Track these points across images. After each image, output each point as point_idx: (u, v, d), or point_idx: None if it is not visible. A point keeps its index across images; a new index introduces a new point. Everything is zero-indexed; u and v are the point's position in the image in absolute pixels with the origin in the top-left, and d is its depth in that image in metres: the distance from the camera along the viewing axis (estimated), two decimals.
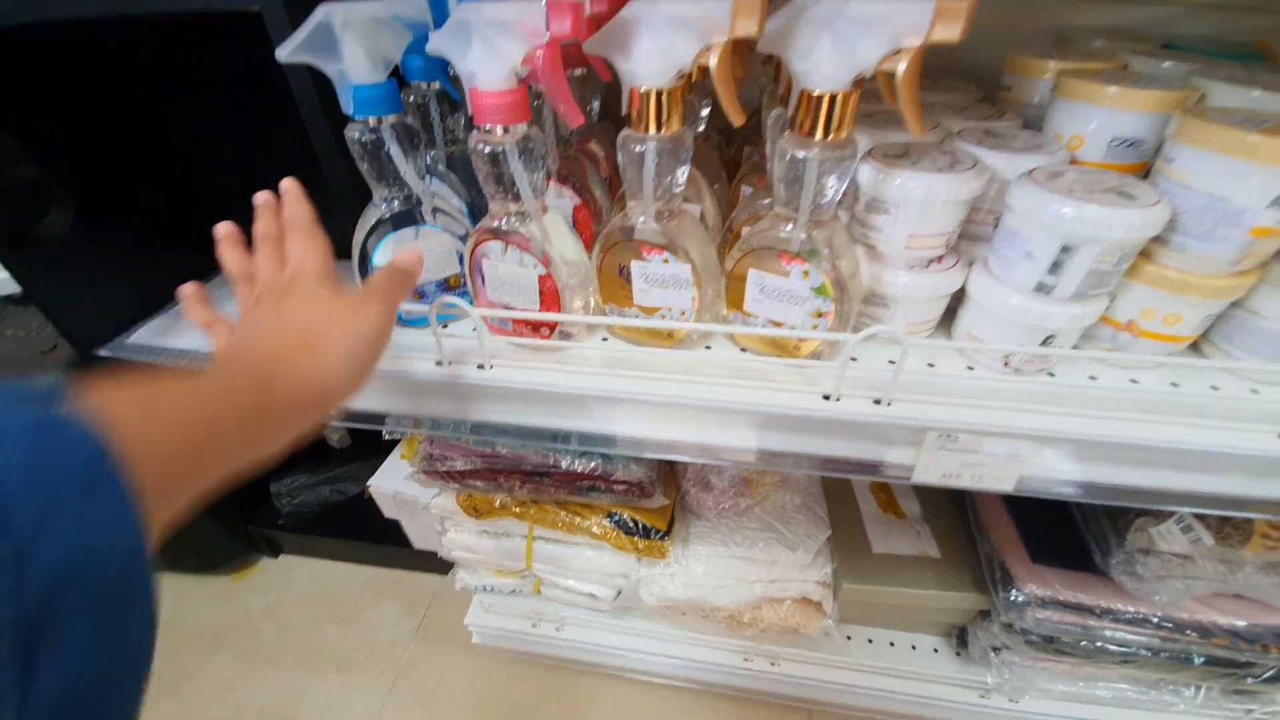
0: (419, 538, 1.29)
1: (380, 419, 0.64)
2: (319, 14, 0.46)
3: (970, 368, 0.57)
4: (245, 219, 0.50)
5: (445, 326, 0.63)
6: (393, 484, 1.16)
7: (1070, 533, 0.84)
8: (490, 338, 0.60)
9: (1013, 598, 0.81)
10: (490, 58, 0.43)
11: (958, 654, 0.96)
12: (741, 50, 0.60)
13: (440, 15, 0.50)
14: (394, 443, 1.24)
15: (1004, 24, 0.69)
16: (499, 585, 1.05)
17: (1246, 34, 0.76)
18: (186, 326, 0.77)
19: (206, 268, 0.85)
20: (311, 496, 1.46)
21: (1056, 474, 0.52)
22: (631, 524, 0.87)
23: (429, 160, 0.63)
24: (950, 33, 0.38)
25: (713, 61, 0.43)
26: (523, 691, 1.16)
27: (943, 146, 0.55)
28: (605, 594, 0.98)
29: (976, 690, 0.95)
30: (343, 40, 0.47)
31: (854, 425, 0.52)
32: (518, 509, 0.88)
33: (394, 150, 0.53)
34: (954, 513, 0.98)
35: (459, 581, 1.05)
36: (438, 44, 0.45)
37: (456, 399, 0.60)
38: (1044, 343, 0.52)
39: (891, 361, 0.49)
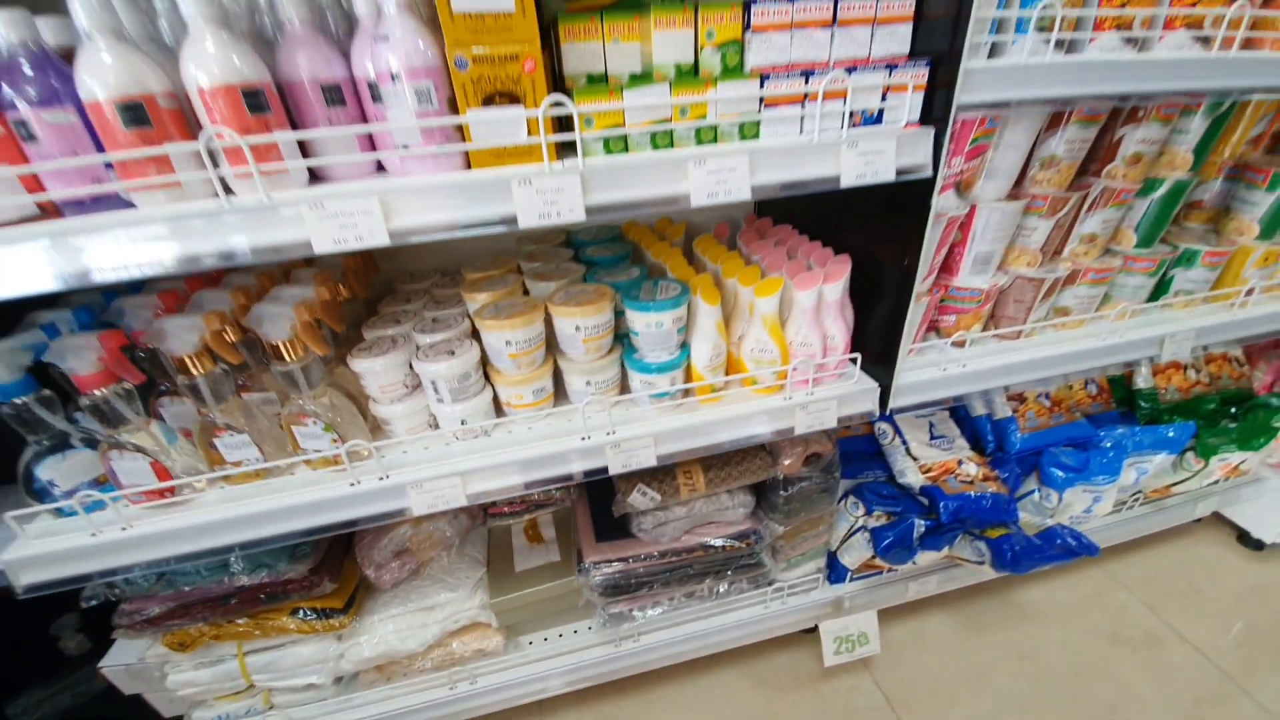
0: (165, 705, 1.41)
1: (71, 582, 0.90)
2: None
3: (448, 444, 1.04)
4: None
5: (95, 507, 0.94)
6: (119, 659, 1.30)
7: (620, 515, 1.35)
8: (131, 508, 0.92)
9: (583, 567, 1.28)
10: (79, 367, 0.81)
11: (590, 627, 1.40)
12: None
13: (53, 334, 0.87)
14: None
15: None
16: (233, 711, 1.25)
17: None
18: None
19: None
20: (52, 707, 1.47)
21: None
22: (313, 612, 1.18)
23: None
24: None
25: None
26: None
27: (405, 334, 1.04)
28: (322, 679, 1.25)
29: (612, 644, 1.39)
30: None
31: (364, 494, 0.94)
32: (215, 633, 1.14)
33: (41, 412, 0.86)
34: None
35: None
36: (51, 357, 0.81)
37: (120, 553, 0.90)
38: (462, 424, 1.01)
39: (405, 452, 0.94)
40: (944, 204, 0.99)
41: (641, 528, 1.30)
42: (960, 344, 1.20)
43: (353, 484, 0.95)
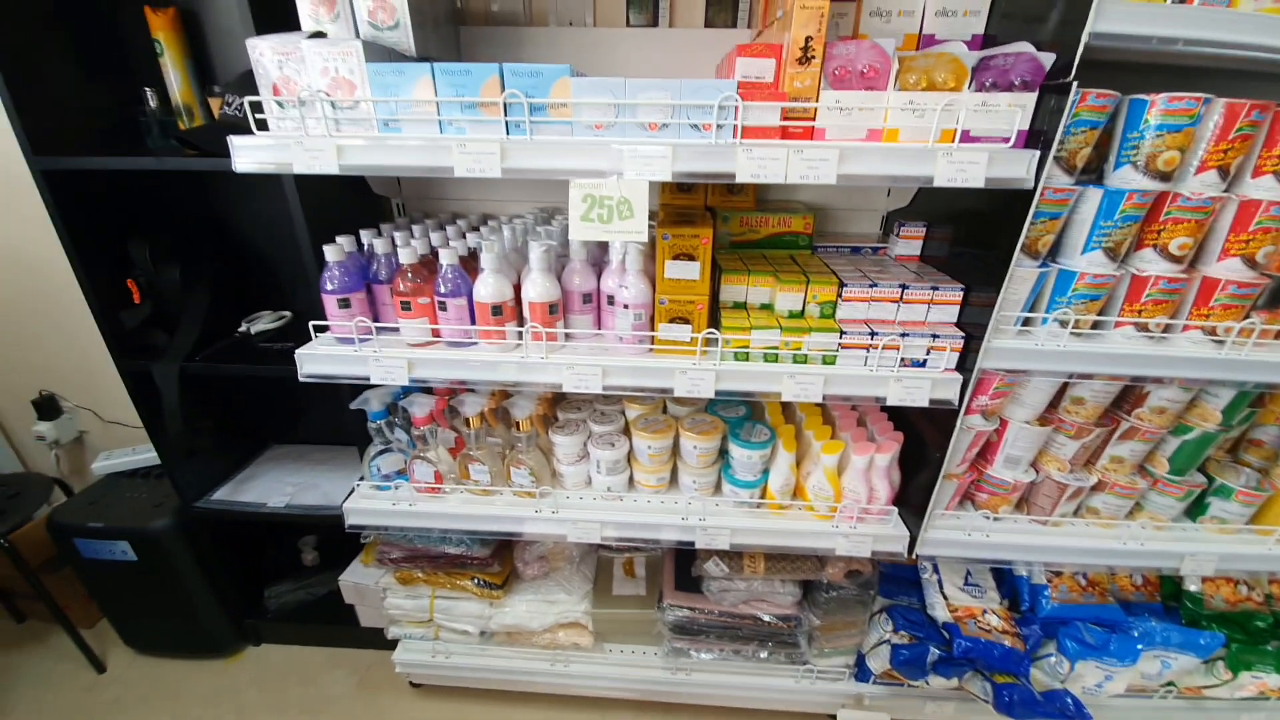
0: (365, 617, 2.08)
1: (370, 528, 1.56)
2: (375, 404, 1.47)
3: (595, 499, 1.57)
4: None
5: (396, 488, 1.58)
6: (353, 578, 1.99)
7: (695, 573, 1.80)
8: (416, 494, 1.55)
9: (662, 605, 1.75)
10: (418, 411, 1.45)
11: (656, 653, 1.85)
12: None
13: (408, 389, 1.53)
14: (350, 557, 2.08)
15: None
16: (413, 633, 1.88)
17: None
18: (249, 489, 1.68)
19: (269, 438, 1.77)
20: (291, 598, 2.23)
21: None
22: (483, 582, 1.76)
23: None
24: None
25: None
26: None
27: None
28: (474, 629, 1.83)
29: (670, 670, 1.83)
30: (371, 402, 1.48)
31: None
32: (425, 579, 1.76)
33: (386, 430, 1.53)
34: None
35: (390, 632, 1.87)
36: (405, 405, 1.47)
37: (403, 518, 1.53)
38: (608, 490, 1.54)
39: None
40: (972, 422, 1.35)
41: (710, 589, 1.74)
42: (991, 514, 1.51)
43: (536, 511, 1.51)
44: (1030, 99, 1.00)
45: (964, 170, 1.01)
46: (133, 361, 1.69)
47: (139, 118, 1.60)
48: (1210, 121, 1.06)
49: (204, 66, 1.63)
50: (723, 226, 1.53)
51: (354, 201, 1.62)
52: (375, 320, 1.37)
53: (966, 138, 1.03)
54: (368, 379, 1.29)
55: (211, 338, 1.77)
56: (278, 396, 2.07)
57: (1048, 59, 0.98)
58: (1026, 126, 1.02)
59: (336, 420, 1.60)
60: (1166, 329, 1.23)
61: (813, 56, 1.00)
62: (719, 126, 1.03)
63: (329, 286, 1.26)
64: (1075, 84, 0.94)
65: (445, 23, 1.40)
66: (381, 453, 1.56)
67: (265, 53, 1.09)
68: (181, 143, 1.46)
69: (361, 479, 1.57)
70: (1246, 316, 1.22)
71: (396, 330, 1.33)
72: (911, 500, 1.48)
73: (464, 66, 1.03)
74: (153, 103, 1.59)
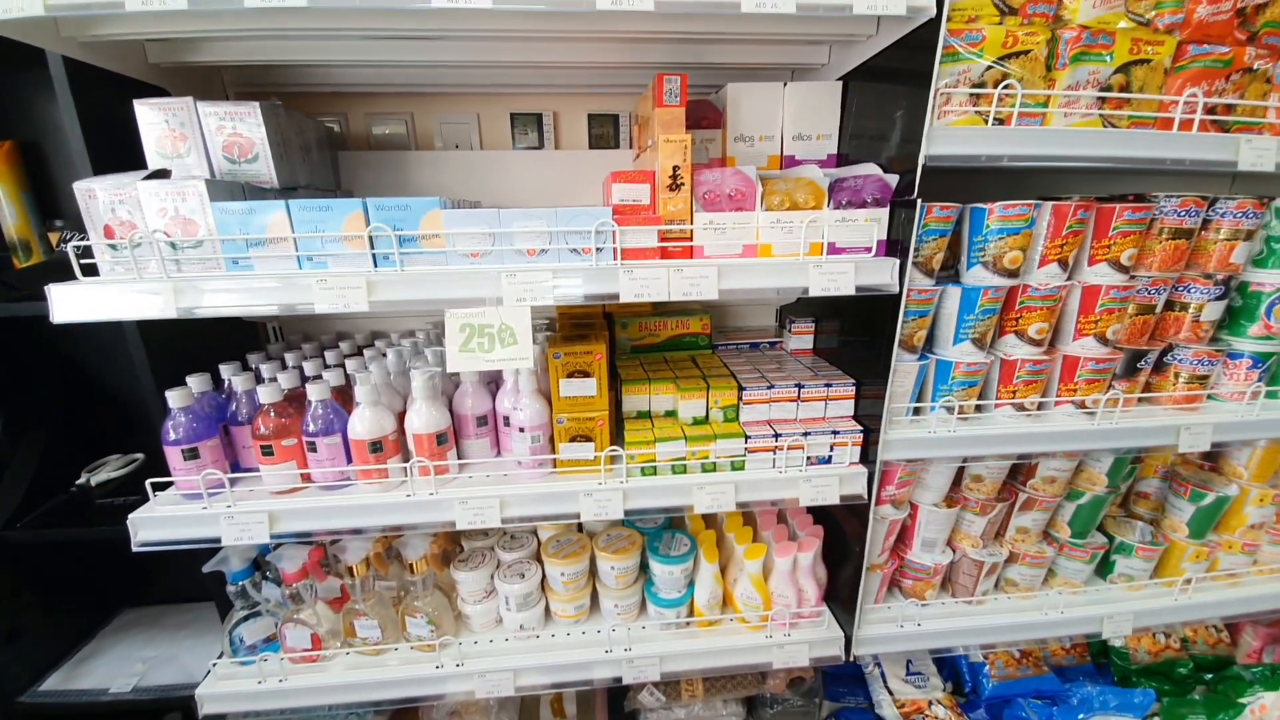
0: None
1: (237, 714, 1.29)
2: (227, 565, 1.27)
3: (507, 640, 1.40)
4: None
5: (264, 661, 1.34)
6: None
7: None
8: (288, 663, 1.32)
9: None
10: (289, 567, 1.26)
11: None
12: None
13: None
14: None
15: None
16: None
17: None
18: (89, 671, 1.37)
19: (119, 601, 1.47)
20: None
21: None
22: None
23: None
24: None
25: None
26: None
27: None
28: None
29: None
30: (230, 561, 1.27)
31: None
32: None
33: (252, 591, 1.31)
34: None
35: None
36: (273, 559, 1.27)
37: (273, 699, 1.28)
38: (521, 628, 1.38)
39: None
40: (884, 512, 1.35)
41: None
42: (918, 602, 1.48)
43: (438, 667, 1.32)
44: (884, 213, 1.07)
45: (835, 280, 1.05)
46: None
47: None
48: (1043, 223, 1.19)
49: (48, 196, 1.49)
50: (622, 333, 1.52)
51: (220, 329, 1.47)
52: (235, 467, 1.20)
53: (833, 249, 1.08)
54: (218, 540, 1.11)
55: (43, 494, 1.50)
56: (125, 552, 1.76)
57: (893, 179, 1.06)
58: (885, 237, 1.09)
59: (197, 572, 1.36)
60: (1040, 406, 1.31)
61: (681, 183, 1.03)
62: (598, 250, 1.03)
63: (171, 437, 1.10)
64: (919, 201, 1.02)
65: (319, 149, 1.37)
66: (245, 619, 1.33)
67: (96, 195, 0.99)
68: (7, 285, 1.29)
69: (221, 655, 1.32)
70: (1109, 388, 1.32)
71: (258, 474, 1.17)
72: (841, 594, 1.43)
73: (324, 203, 0.98)
74: None
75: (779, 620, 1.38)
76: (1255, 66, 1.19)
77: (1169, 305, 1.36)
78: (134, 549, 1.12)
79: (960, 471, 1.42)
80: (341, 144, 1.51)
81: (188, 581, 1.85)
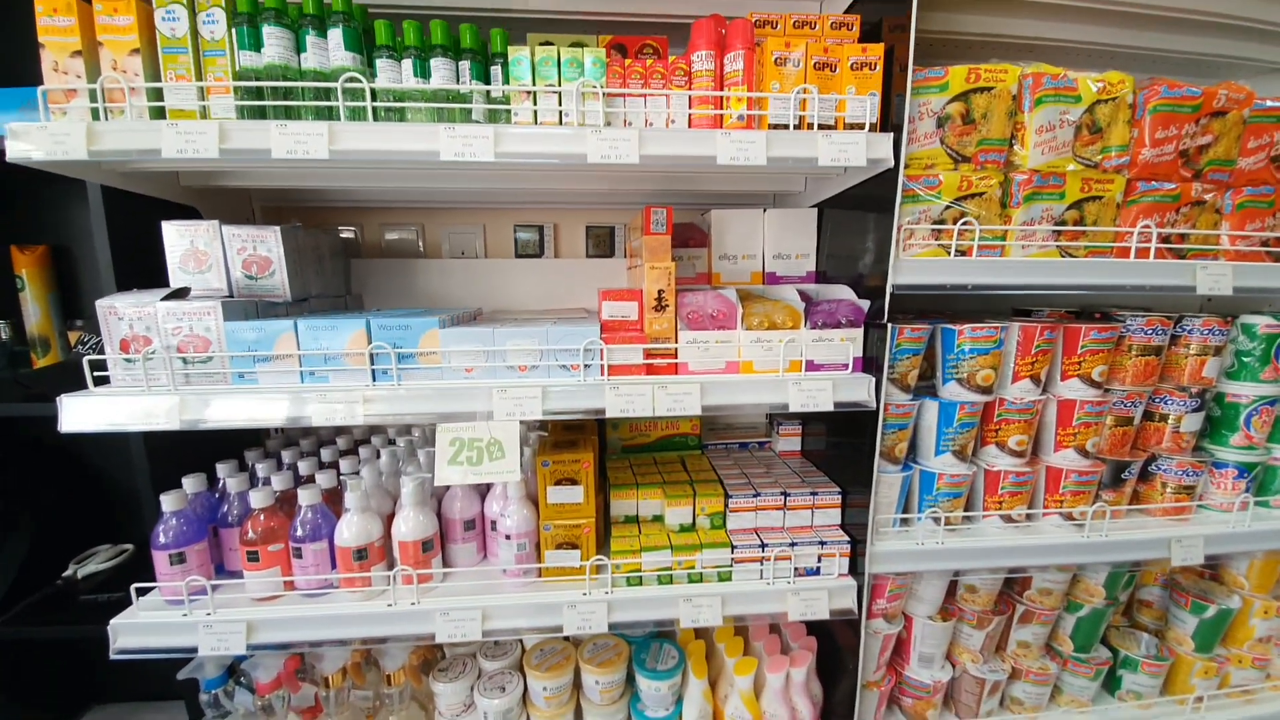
0: None
1: None
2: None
3: None
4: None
5: None
6: None
7: None
8: None
9: None
10: (264, 676, 1.23)
11: None
12: None
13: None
14: None
15: None
16: None
17: None
18: None
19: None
20: None
21: None
22: None
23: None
24: None
25: None
26: None
27: None
28: None
29: None
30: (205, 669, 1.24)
31: None
32: None
33: (224, 700, 1.27)
34: None
35: None
36: (247, 668, 1.24)
37: None
38: None
39: None
40: (876, 626, 1.31)
41: None
42: None
43: None
44: (858, 333, 1.13)
45: (814, 397, 1.10)
46: None
47: None
48: (1012, 342, 1.24)
49: (72, 296, 1.58)
50: (613, 433, 1.55)
51: None
52: (220, 568, 1.20)
53: (812, 365, 1.13)
54: (195, 650, 1.09)
55: (30, 585, 1.49)
56: (102, 650, 1.71)
57: (865, 303, 1.13)
58: (860, 354, 1.15)
59: (171, 670, 1.32)
60: (1029, 517, 1.31)
61: (666, 305, 1.10)
62: (586, 366, 1.08)
63: (161, 540, 1.11)
64: (890, 325, 1.08)
65: (333, 258, 1.46)
66: None
67: (118, 311, 1.06)
68: (21, 384, 1.35)
69: None
70: (1096, 498, 1.32)
71: (241, 580, 1.16)
72: (836, 712, 1.37)
73: (329, 321, 1.05)
74: (4, 334, 1.49)
75: None
76: (1205, 199, 1.28)
77: (1148, 416, 1.39)
78: (111, 656, 1.10)
79: (953, 583, 1.40)
80: (355, 251, 1.62)
81: (159, 680, 1.79)
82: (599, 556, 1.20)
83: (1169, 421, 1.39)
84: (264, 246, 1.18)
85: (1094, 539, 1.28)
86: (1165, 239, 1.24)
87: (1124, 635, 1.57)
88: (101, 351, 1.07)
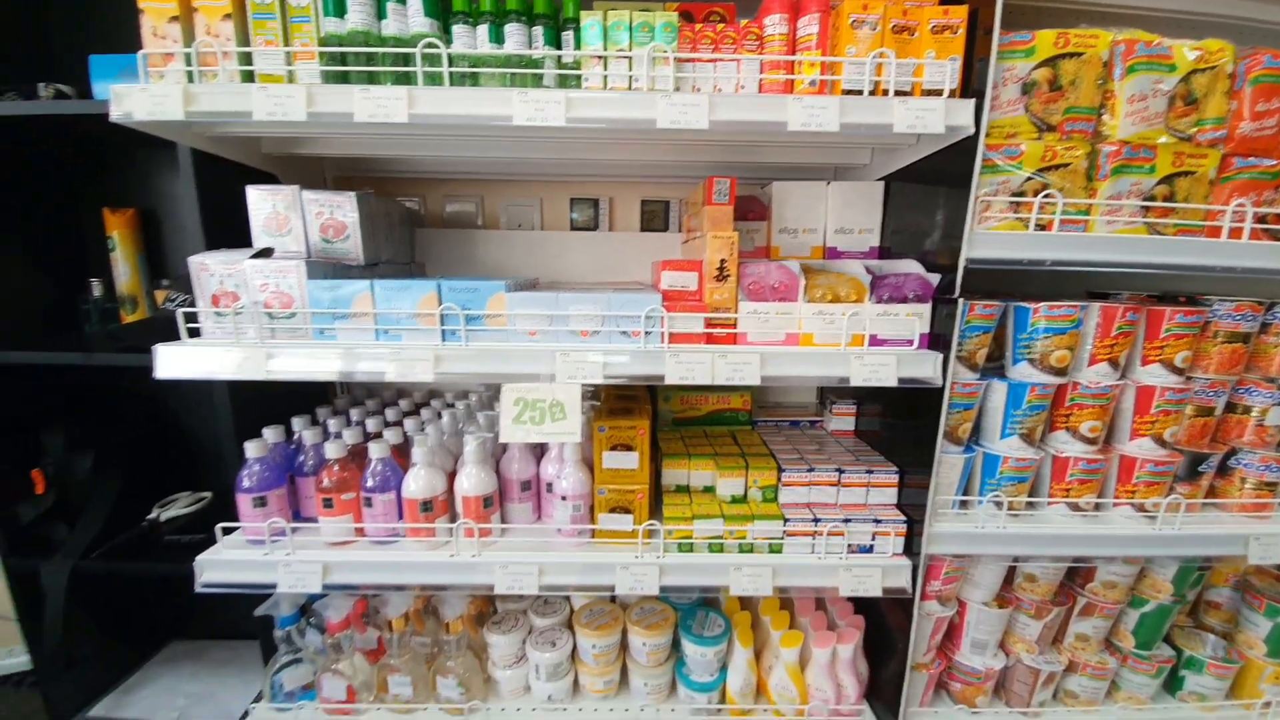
0: None
1: None
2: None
3: (535, 710, 1.39)
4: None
5: (300, 709, 1.36)
6: None
7: None
8: (322, 714, 1.34)
9: None
10: (334, 616, 1.30)
11: None
12: None
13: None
14: None
15: None
16: None
17: None
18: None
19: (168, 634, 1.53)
20: None
21: None
22: None
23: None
24: None
25: None
26: None
27: None
28: None
29: None
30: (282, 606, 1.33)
31: None
32: None
33: (296, 637, 1.36)
34: None
35: None
36: (319, 608, 1.32)
37: None
38: (549, 699, 1.37)
39: None
40: (929, 608, 1.30)
41: None
42: (969, 709, 1.39)
43: None
44: (925, 309, 1.11)
45: (876, 371, 1.08)
46: (22, 560, 1.51)
47: (81, 305, 1.60)
48: (1091, 323, 1.19)
49: (158, 258, 1.68)
50: (664, 405, 1.56)
51: (294, 383, 1.60)
52: (296, 514, 1.28)
53: (875, 341, 1.11)
54: (274, 586, 1.17)
55: (117, 527, 1.62)
56: (182, 587, 1.85)
57: (934, 278, 1.10)
58: (927, 330, 1.12)
59: (245, 610, 1.42)
60: (1098, 507, 1.26)
61: (728, 275, 1.09)
62: (647, 333, 1.09)
63: (245, 484, 1.19)
64: (961, 299, 1.05)
65: (400, 225, 1.51)
66: (288, 664, 1.37)
67: (209, 268, 1.13)
68: (113, 337, 1.45)
69: (259, 698, 1.36)
70: (1170, 490, 1.27)
71: (317, 525, 1.24)
72: (883, 693, 1.36)
73: (404, 283, 1.09)
74: (96, 292, 1.60)
75: (816, 716, 1.32)
76: None
77: (1230, 408, 1.31)
78: (197, 589, 1.19)
79: (1011, 570, 1.37)
80: (419, 222, 1.67)
81: (235, 618, 1.93)
82: (651, 522, 1.22)
83: (1253, 414, 1.31)
84: (340, 211, 1.23)
85: (1165, 532, 1.22)
86: (1261, 219, 1.16)
87: (1189, 635, 1.51)
88: (189, 308, 1.14)
